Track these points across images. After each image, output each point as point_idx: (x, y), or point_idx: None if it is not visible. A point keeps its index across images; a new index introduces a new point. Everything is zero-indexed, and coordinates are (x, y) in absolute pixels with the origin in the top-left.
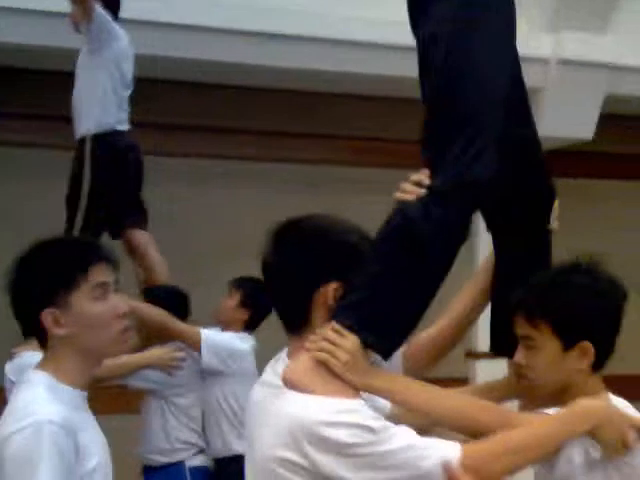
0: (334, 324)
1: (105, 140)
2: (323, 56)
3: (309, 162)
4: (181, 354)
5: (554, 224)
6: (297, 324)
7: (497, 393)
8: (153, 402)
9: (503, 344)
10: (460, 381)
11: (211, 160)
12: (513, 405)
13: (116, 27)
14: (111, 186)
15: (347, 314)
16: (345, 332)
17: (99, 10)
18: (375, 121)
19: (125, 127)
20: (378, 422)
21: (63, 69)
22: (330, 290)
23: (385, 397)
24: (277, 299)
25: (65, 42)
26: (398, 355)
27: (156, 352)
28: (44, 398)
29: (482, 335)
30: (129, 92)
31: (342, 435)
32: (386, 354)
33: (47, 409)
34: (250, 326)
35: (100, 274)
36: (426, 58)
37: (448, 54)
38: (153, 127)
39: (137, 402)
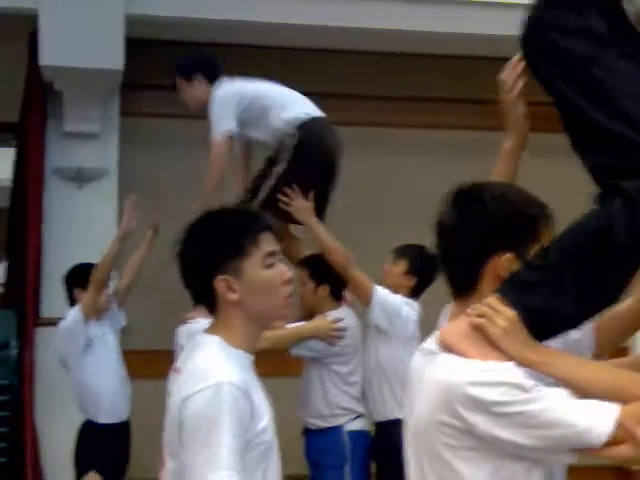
0: (499, 295)
1: (306, 129)
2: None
3: (475, 128)
4: (342, 324)
5: None
6: (464, 289)
7: None
8: (313, 369)
9: None
10: (620, 350)
11: (375, 128)
12: None
13: (232, 110)
14: (304, 175)
15: (515, 290)
16: (506, 304)
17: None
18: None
19: (318, 114)
20: (529, 381)
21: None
22: (503, 261)
23: (541, 371)
24: (448, 262)
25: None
26: (590, 328)
27: (318, 323)
28: (221, 360)
29: None
30: (290, 92)
31: (491, 393)
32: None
33: (225, 370)
34: (416, 293)
35: (268, 243)
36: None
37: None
38: (321, 96)
39: (297, 366)
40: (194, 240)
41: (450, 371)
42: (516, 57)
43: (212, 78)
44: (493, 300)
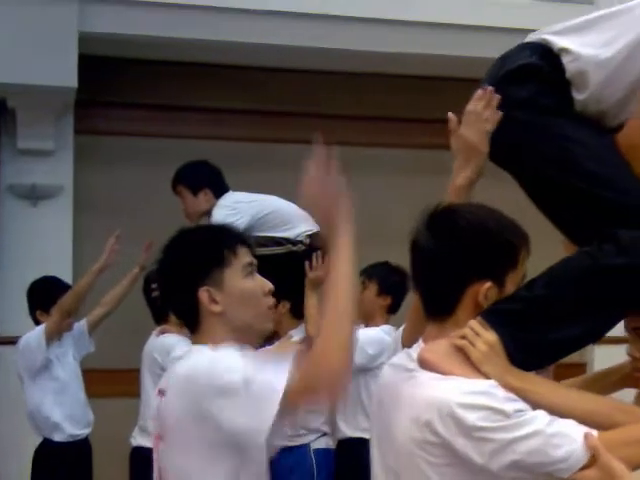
0: (481, 319)
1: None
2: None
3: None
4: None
5: None
6: (441, 313)
7: (611, 379)
8: None
9: None
10: (579, 366)
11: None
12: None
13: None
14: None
15: (498, 318)
16: (489, 328)
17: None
18: None
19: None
20: (512, 405)
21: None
22: (483, 289)
23: (519, 395)
24: (425, 285)
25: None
26: None
27: (284, 346)
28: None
29: None
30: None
31: (473, 418)
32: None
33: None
34: (392, 310)
35: (246, 254)
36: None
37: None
38: (267, 115)
39: None
40: (174, 254)
41: (432, 391)
42: (482, 90)
43: (219, 194)
44: (475, 324)
